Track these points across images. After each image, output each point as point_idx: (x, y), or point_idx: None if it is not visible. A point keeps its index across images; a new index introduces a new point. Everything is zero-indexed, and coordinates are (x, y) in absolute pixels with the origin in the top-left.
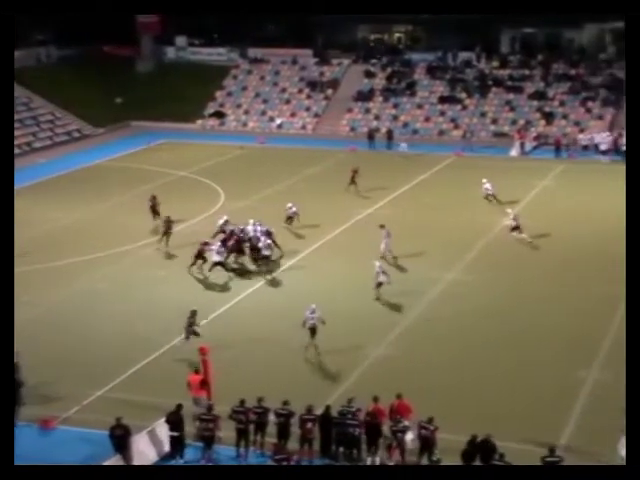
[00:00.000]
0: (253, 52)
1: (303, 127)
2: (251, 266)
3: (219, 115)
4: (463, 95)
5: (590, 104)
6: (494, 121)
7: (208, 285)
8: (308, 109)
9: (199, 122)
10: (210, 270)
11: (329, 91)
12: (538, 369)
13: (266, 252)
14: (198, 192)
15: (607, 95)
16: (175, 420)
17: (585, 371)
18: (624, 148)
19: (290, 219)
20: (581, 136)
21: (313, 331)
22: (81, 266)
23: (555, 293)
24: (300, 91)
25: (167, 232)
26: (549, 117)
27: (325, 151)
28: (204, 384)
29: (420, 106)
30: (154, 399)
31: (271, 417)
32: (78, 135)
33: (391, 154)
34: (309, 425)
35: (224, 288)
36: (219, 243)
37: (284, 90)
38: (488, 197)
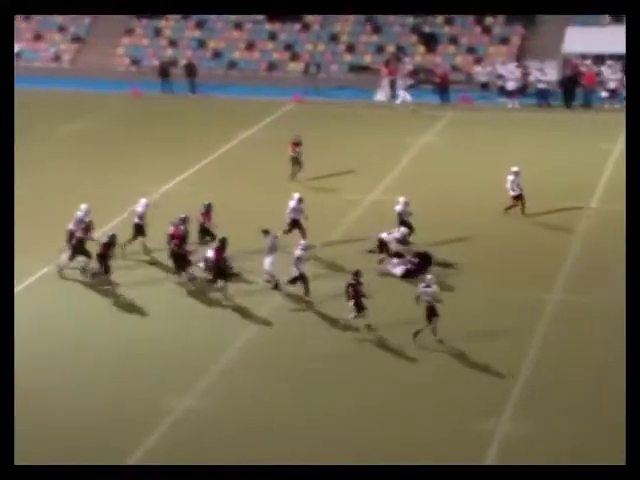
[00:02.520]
0: None
1: (56, 58)
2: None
3: None
4: None
5: (489, 21)
6: (350, 48)
7: None
8: (62, 29)
9: None
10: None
11: None
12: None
13: None
14: None
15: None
16: None
17: (492, 422)
18: (541, 86)
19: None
20: (478, 69)
21: (431, 311)
22: None
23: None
24: None
25: None
26: (430, 41)
27: (92, 96)
28: None
29: (238, 25)
30: None
31: None
32: None
33: (196, 99)
34: None
35: None
36: (303, 243)
37: None
38: (514, 202)
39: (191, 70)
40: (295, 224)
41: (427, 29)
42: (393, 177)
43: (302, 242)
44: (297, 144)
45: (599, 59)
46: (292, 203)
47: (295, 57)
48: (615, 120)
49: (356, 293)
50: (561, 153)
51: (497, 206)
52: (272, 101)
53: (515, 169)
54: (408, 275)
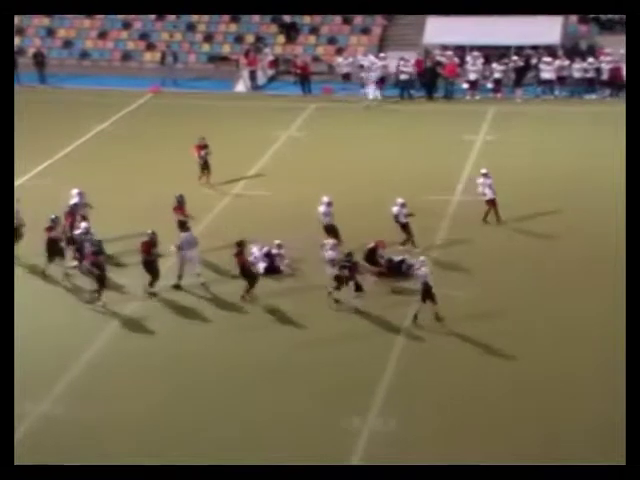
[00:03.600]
0: None
1: None
2: None
3: None
4: None
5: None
6: (208, 38)
7: None
8: None
9: None
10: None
11: None
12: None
13: None
14: None
15: None
16: None
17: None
18: (403, 77)
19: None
20: (340, 60)
21: (426, 293)
22: None
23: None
24: None
25: None
26: (291, 31)
27: None
28: None
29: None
30: None
31: None
32: None
33: (46, 90)
34: None
35: None
36: (331, 243)
37: None
38: (488, 213)
39: (40, 60)
40: (331, 229)
41: (287, 19)
42: (257, 171)
43: (329, 242)
44: (202, 147)
45: (460, 50)
46: (322, 208)
47: (151, 47)
48: (476, 111)
49: (352, 274)
50: (424, 144)
51: (356, 200)
52: (128, 92)
53: (484, 171)
54: (271, 272)
